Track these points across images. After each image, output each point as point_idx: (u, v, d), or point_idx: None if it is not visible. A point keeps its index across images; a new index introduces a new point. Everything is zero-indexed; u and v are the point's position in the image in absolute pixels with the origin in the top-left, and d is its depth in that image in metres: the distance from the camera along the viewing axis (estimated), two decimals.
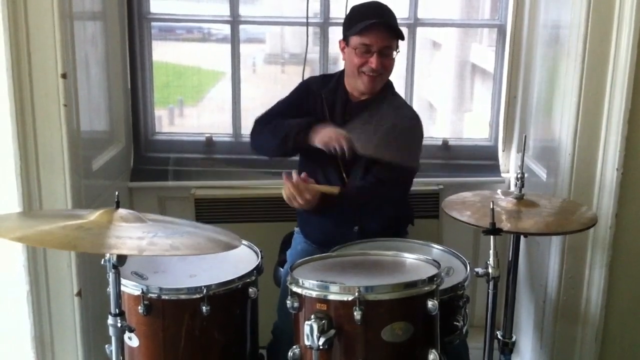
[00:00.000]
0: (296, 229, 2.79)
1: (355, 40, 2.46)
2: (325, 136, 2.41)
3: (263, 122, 2.61)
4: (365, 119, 2.50)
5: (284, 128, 2.48)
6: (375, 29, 2.43)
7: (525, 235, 2.35)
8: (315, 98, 2.60)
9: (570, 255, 2.67)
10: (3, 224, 1.71)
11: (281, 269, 2.70)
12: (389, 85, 2.63)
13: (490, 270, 2.06)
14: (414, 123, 2.56)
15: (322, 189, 2.35)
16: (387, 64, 2.49)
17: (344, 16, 3.04)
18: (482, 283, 2.15)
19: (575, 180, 2.59)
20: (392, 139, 2.47)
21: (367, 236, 2.49)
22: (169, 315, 2.05)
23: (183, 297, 2.05)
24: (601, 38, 2.47)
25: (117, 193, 1.84)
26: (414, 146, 2.55)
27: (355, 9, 2.56)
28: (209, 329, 2.08)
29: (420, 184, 3.13)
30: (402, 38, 2.49)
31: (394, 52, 2.50)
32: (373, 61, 2.44)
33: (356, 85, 2.53)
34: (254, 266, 2.18)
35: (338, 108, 2.57)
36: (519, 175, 2.21)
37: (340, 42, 2.57)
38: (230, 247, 1.80)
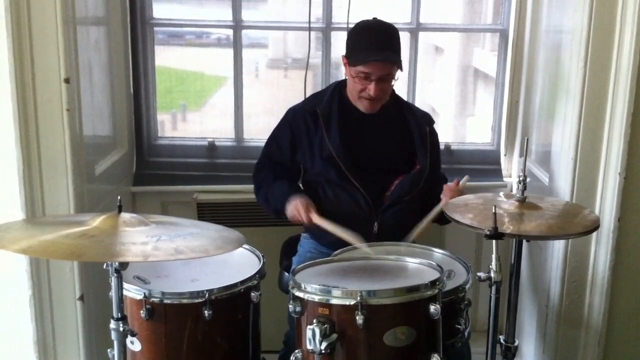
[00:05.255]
0: (303, 235, 2.78)
1: (356, 68, 2.49)
2: (292, 211, 2.54)
3: (259, 172, 2.74)
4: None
5: (273, 199, 2.63)
6: (366, 59, 2.47)
7: (528, 239, 2.35)
8: (310, 117, 2.62)
9: (573, 259, 2.67)
10: (6, 234, 1.71)
11: (287, 274, 2.69)
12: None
13: (492, 274, 2.05)
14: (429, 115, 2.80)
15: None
16: (386, 89, 2.55)
17: (346, 21, 3.08)
18: (484, 287, 2.14)
19: (578, 184, 2.59)
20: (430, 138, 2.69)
21: (386, 236, 2.50)
22: (171, 320, 2.05)
23: (185, 301, 2.04)
24: (603, 42, 2.47)
25: (119, 198, 1.84)
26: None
27: (359, 33, 2.57)
28: (211, 333, 2.08)
29: None
30: (401, 68, 2.54)
31: (393, 79, 2.54)
32: (371, 89, 2.50)
33: (356, 105, 2.60)
34: (256, 270, 2.18)
35: (342, 120, 2.59)
36: (521, 179, 2.21)
37: (342, 57, 2.59)
38: (234, 247, 1.81)
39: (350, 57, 2.52)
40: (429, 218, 2.51)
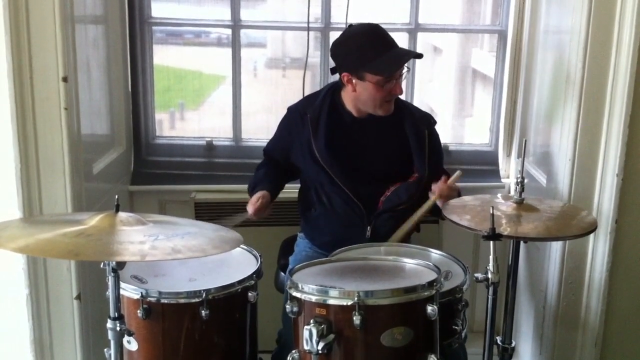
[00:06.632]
0: (300, 234, 2.78)
1: (375, 78, 2.41)
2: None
3: (260, 164, 2.76)
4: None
5: (251, 184, 2.67)
6: (399, 62, 2.43)
7: (525, 240, 2.35)
8: (302, 119, 2.59)
9: (571, 260, 2.67)
10: (4, 233, 1.71)
11: (283, 274, 2.69)
12: None
13: (489, 275, 2.06)
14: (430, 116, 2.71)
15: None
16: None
17: (344, 21, 3.06)
18: (481, 288, 2.14)
19: (576, 186, 2.60)
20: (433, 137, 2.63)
21: (378, 239, 2.49)
22: (168, 319, 2.05)
23: (182, 301, 2.04)
24: (602, 43, 2.48)
25: (116, 197, 1.84)
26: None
27: (359, 42, 2.45)
28: (209, 333, 2.08)
29: None
30: (420, 55, 2.53)
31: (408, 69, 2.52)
32: (397, 88, 2.45)
33: (375, 112, 2.51)
34: (253, 270, 2.18)
35: (331, 125, 2.53)
36: (518, 180, 2.21)
37: (344, 75, 2.46)
38: (231, 247, 1.81)
39: (367, 70, 2.40)
40: (414, 219, 2.44)
